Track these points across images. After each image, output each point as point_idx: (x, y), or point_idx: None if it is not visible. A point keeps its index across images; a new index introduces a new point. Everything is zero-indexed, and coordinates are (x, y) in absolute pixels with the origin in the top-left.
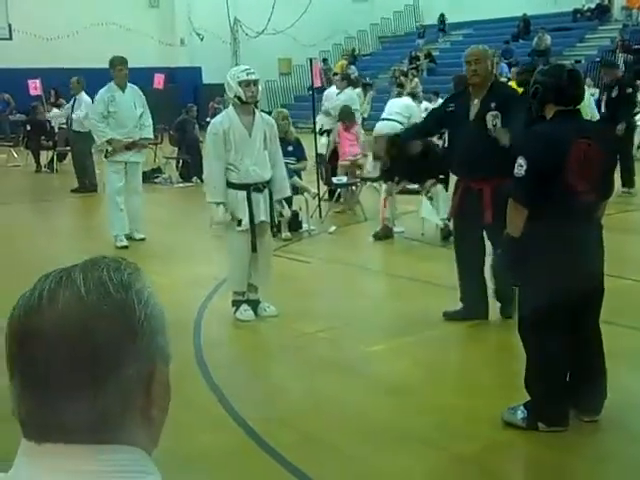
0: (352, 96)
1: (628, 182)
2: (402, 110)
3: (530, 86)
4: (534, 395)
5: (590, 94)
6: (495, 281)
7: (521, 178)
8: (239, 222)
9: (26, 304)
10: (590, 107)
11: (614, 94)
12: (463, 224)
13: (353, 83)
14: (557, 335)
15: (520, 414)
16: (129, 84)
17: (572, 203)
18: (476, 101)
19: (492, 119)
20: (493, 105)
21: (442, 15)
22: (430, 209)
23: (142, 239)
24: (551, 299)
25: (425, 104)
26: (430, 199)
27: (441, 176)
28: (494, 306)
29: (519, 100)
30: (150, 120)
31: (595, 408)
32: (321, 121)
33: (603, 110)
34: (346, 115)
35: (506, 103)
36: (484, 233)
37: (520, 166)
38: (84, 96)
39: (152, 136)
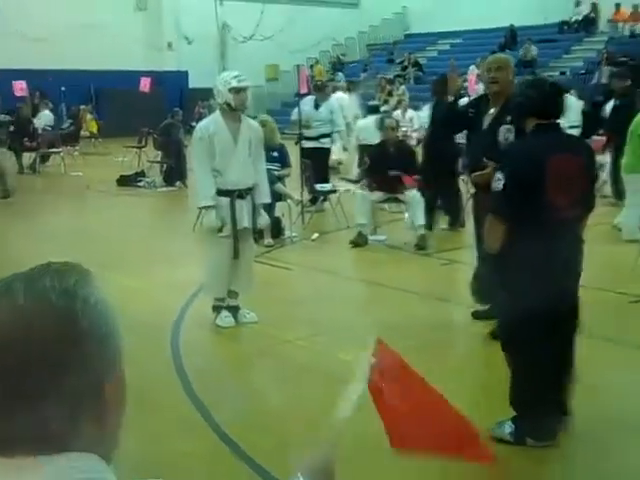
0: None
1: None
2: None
3: (512, 99)
4: (521, 410)
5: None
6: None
7: (500, 192)
8: (221, 228)
9: None
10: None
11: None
12: (478, 227)
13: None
14: (540, 350)
15: (507, 428)
16: None
17: (552, 218)
18: (492, 110)
19: (505, 132)
20: (508, 118)
21: (393, 44)
22: None
23: None
24: (532, 315)
25: (410, 112)
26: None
27: (415, 176)
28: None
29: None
30: None
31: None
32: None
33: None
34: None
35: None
36: None
37: (498, 180)
38: None
39: None
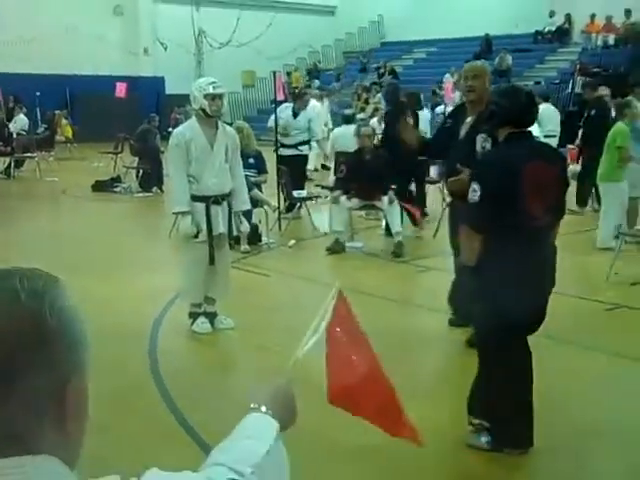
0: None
1: (582, 202)
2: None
3: (485, 108)
4: (497, 419)
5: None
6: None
7: (475, 204)
8: (197, 234)
9: None
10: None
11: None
12: (454, 237)
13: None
14: (518, 358)
15: (484, 438)
16: None
17: (527, 227)
18: (469, 119)
19: (482, 141)
20: (485, 127)
21: (368, 52)
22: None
23: None
24: (510, 324)
25: None
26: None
27: (393, 186)
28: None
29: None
30: None
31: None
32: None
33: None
34: None
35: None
36: None
37: (474, 191)
38: None
39: None
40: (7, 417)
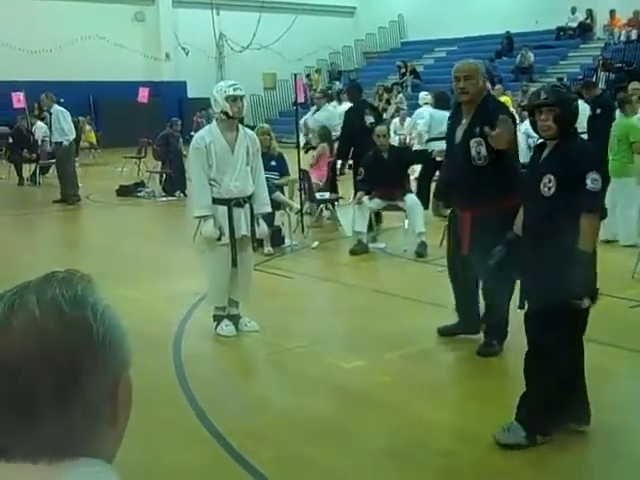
0: (332, 113)
1: None
2: None
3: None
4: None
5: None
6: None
7: (598, 192)
8: (219, 237)
9: None
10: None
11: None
12: (452, 244)
13: (331, 98)
14: (576, 348)
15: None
16: None
17: None
18: (464, 121)
19: (476, 146)
20: (477, 130)
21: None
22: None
23: None
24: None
25: (409, 120)
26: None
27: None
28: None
29: (505, 120)
30: None
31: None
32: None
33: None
34: (326, 137)
35: (492, 125)
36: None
37: (595, 180)
38: (57, 108)
39: None
40: (67, 426)
